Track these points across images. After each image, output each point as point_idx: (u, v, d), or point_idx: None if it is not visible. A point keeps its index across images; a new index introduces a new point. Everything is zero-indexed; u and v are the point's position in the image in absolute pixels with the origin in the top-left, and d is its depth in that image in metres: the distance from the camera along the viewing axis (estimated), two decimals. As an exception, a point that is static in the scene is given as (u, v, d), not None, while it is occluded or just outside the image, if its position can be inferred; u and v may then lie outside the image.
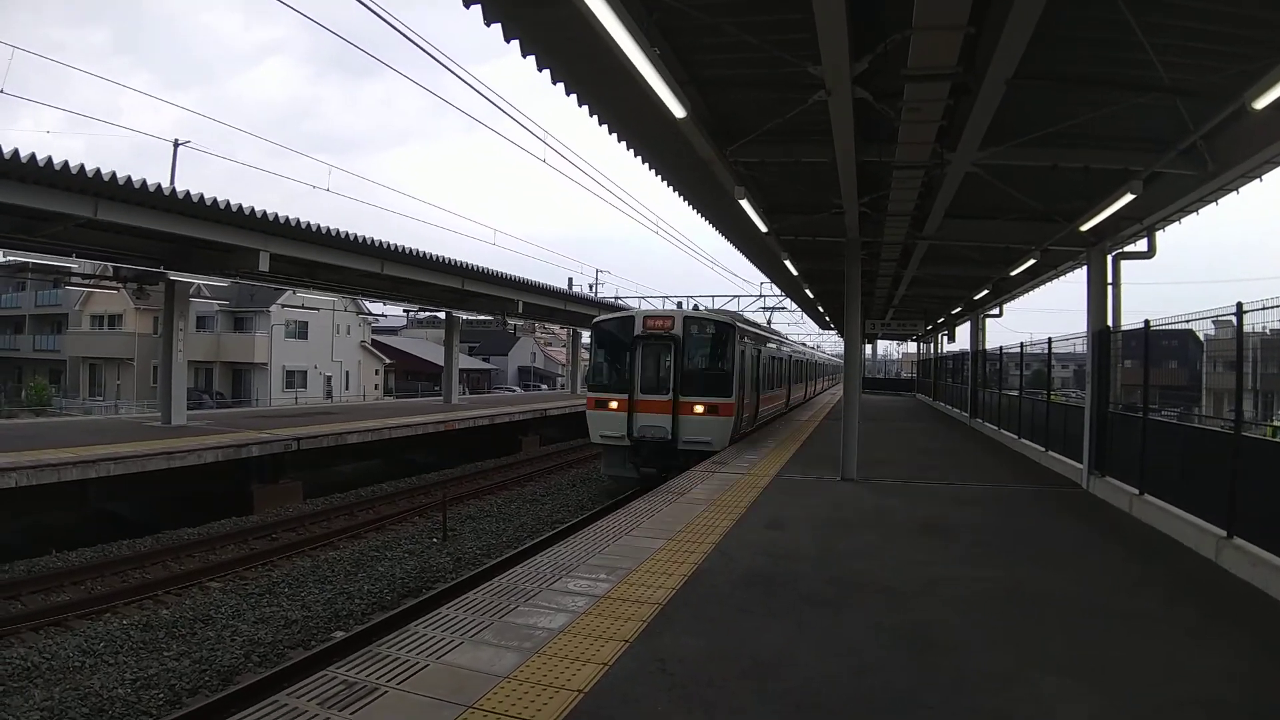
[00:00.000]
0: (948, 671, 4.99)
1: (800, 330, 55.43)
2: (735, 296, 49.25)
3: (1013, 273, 16.44)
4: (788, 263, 16.27)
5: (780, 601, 6.39)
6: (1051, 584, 7.07)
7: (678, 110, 6.68)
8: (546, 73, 7.47)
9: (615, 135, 9.52)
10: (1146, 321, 10.53)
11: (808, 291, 25.28)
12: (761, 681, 4.78)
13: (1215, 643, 5.71)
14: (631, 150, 10.31)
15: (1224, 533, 7.81)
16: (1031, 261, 14.42)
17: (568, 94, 8.15)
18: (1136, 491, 10.37)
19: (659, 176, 11.91)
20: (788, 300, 44.13)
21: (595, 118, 9.01)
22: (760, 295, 49.70)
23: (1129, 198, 8.99)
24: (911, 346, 59.75)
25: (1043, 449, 15.81)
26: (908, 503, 10.95)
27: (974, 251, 15.30)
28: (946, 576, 7.20)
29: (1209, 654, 5.47)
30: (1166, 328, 10.76)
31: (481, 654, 5.11)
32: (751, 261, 21.98)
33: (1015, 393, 19.61)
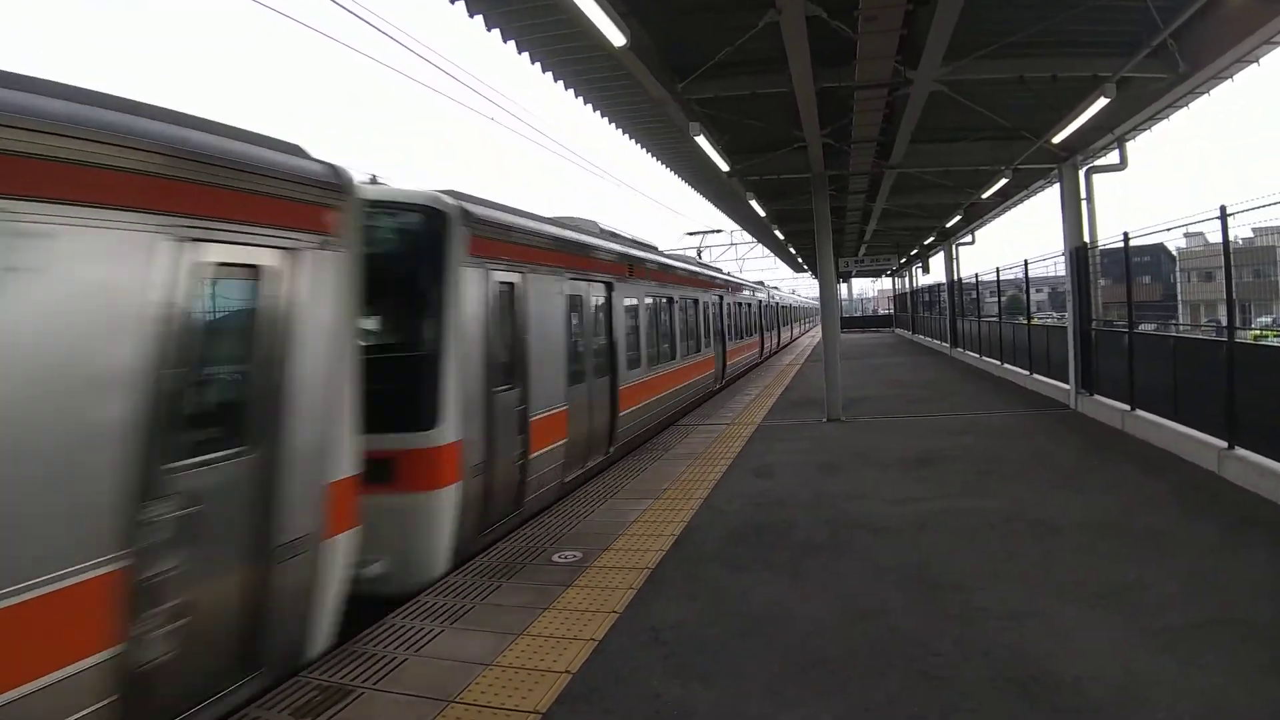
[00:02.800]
0: (956, 611, 4.74)
1: (775, 275, 55.04)
2: (705, 246, 48.85)
3: (983, 195, 16.11)
4: (754, 203, 15.74)
5: (774, 553, 6.12)
6: (1053, 508, 6.85)
7: (617, 38, 6.19)
8: (461, 4, 6.91)
9: (563, 84, 9.01)
10: (1125, 234, 10.30)
11: (778, 233, 24.84)
12: (760, 640, 4.51)
13: (1233, 557, 5.49)
14: (582, 99, 9.83)
15: (1224, 444, 7.62)
16: (1003, 182, 14.10)
17: (503, 38, 7.64)
18: (1128, 408, 10.21)
19: (614, 124, 11.42)
20: (760, 247, 43.82)
21: (538, 65, 8.51)
22: (731, 244, 49.34)
23: (1102, 102, 8.64)
24: (886, 282, 59.71)
25: (1027, 373, 15.67)
26: (897, 438, 10.73)
27: (943, 177, 14.93)
28: (944, 510, 6.97)
29: (1229, 570, 5.25)
30: (1142, 241, 10.52)
31: (463, 642, 4.79)
32: (717, 207, 21.42)
33: (995, 319, 19.45)
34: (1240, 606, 4.61)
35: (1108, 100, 8.52)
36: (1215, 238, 8.05)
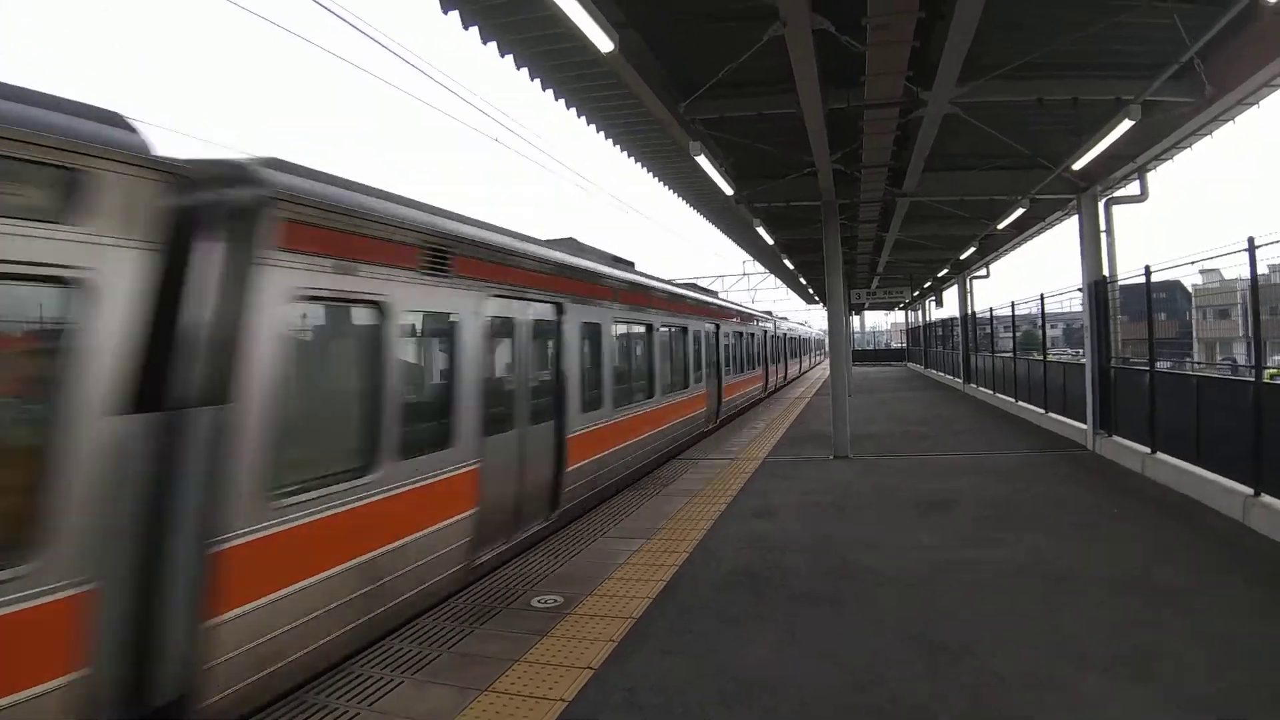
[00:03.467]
0: (967, 679, 4.26)
1: (788, 306, 54.75)
2: (719, 276, 48.71)
3: (999, 226, 15.67)
4: (761, 230, 15.33)
5: (770, 604, 5.65)
6: (1072, 560, 6.36)
7: (604, 44, 5.80)
8: (455, 15, 6.62)
9: (553, 93, 8.69)
10: (1147, 267, 9.87)
11: (788, 263, 24.43)
12: (748, 709, 4.05)
13: (1261, 619, 4.99)
14: (575, 111, 9.55)
15: (1250, 491, 7.12)
16: (1020, 212, 13.68)
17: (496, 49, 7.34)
18: (1148, 450, 9.70)
19: (611, 140, 11.11)
20: (771, 277, 43.53)
21: (538, 81, 8.23)
22: (744, 274, 49.17)
23: (1127, 125, 8.22)
24: (898, 315, 59.19)
25: (1042, 411, 15.14)
26: (906, 478, 10.23)
27: (957, 207, 14.54)
28: (955, 560, 6.48)
29: (1257, 632, 4.76)
30: (1160, 277, 10.08)
31: (422, 696, 4.36)
32: (727, 235, 21.02)
33: (1009, 354, 18.95)
34: (1269, 674, 4.15)
35: (1133, 123, 8.12)
36: (1231, 274, 7.66)
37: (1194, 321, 45.10)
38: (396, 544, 5.43)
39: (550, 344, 8.37)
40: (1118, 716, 3.81)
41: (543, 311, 8.05)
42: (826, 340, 39.75)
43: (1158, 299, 11.05)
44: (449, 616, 5.58)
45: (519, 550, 7.32)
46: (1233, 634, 4.74)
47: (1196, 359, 30.46)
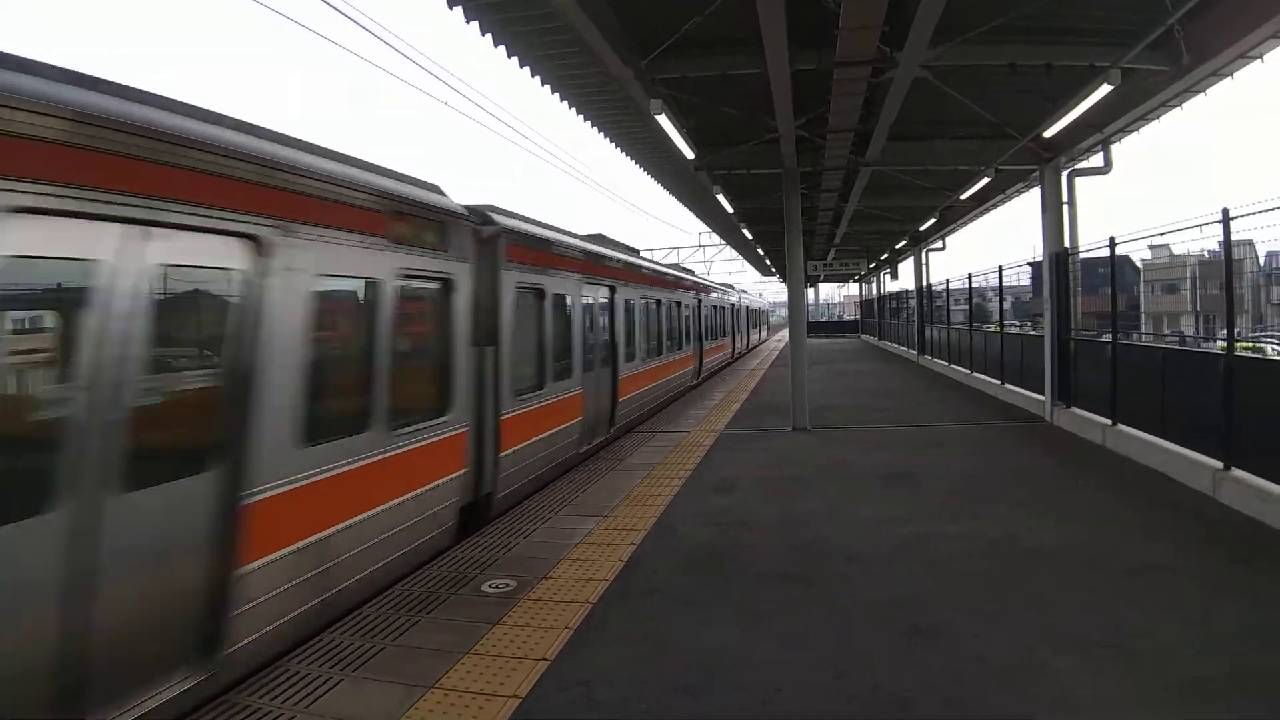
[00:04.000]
0: (943, 663, 4.04)
1: (744, 279, 54.54)
2: (674, 248, 48.28)
3: (963, 196, 15.57)
4: (721, 197, 14.97)
5: (734, 584, 5.38)
6: (1040, 535, 6.21)
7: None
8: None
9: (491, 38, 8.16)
10: (1112, 238, 9.76)
11: (746, 233, 24.13)
12: (713, 700, 3.78)
13: (1240, 596, 4.87)
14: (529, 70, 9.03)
15: (1220, 464, 7.05)
16: (984, 182, 13.56)
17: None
18: (1109, 422, 9.66)
19: (583, 118, 10.65)
20: (728, 250, 43.28)
21: (488, 36, 7.71)
22: (699, 246, 48.81)
23: (1105, 89, 8.02)
24: (852, 289, 59.49)
25: (998, 382, 15.16)
26: (867, 450, 10.07)
27: (920, 177, 14.34)
28: (922, 534, 6.30)
29: (1237, 611, 4.63)
30: (1106, 252, 10.00)
31: (363, 695, 4.00)
32: (684, 204, 20.64)
33: (964, 326, 18.99)
34: (1255, 657, 4.01)
35: (1111, 88, 7.92)
36: (1180, 249, 7.57)
37: (1142, 296, 46.17)
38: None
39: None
40: (1105, 701, 3.62)
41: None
42: (782, 312, 39.87)
43: (1104, 274, 11.06)
44: (394, 605, 5.21)
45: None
46: (1208, 612, 4.61)
47: (1144, 331, 31.17)
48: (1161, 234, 8.42)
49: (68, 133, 3.31)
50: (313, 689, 4.03)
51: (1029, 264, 15.82)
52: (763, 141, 11.28)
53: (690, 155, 10.97)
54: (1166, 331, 33.47)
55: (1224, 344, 7.61)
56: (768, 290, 65.72)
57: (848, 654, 4.21)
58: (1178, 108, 9.96)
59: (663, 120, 8.84)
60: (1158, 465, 8.23)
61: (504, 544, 6.48)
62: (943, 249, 25.62)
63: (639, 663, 4.22)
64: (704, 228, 34.48)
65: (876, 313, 40.51)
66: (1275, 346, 19.04)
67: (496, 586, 5.48)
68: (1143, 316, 37.75)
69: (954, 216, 20.71)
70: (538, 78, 9.28)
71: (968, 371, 17.88)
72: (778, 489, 8.14)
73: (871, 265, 34.98)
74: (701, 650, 4.34)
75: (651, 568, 5.77)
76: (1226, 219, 6.89)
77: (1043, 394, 12.09)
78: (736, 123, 10.68)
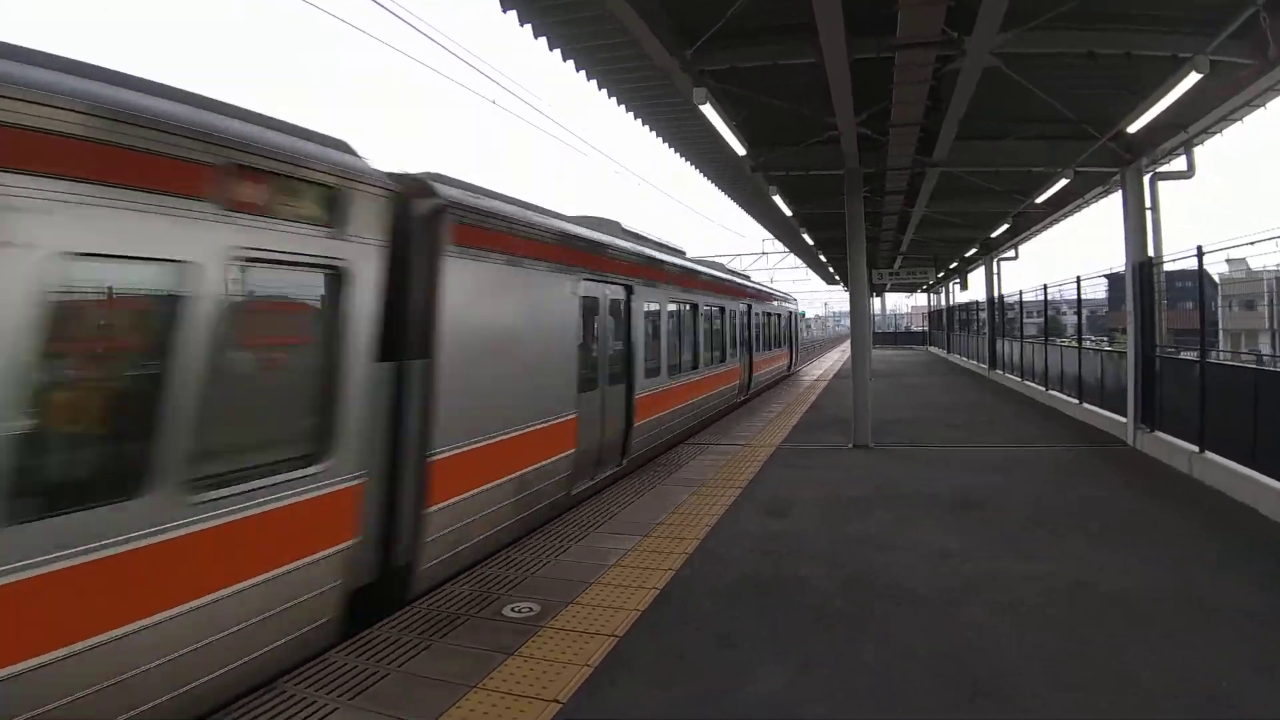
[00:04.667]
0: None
1: (808, 287, 53.52)
2: (738, 255, 47.61)
3: (1038, 200, 14.69)
4: (778, 199, 14.34)
5: (780, 622, 4.87)
6: (1120, 576, 5.51)
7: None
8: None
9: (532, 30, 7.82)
10: (1199, 247, 8.91)
11: (807, 238, 23.38)
12: (746, 767, 3.29)
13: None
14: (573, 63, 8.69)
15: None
16: (1061, 184, 12.71)
17: None
18: (1196, 449, 8.80)
19: (618, 102, 10.24)
20: (791, 258, 42.41)
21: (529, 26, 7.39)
22: (763, 253, 48.03)
23: (1193, 79, 7.27)
24: (919, 299, 57.83)
25: (1076, 401, 14.21)
26: (932, 472, 9.40)
27: (990, 180, 13.55)
28: (989, 572, 5.67)
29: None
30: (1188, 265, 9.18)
31: (354, 731, 3.64)
32: (741, 206, 19.91)
33: (1040, 340, 17.99)
34: None
35: (1200, 75, 7.16)
36: (1255, 263, 6.78)
37: (1220, 311, 43.81)
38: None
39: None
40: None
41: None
42: (846, 322, 38.89)
43: (1182, 288, 10.17)
44: (409, 625, 4.87)
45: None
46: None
47: (1221, 349, 29.29)
48: (1252, 243, 7.62)
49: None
50: (302, 717, 3.71)
51: (1104, 275, 14.86)
52: (821, 140, 10.71)
53: (742, 152, 10.48)
54: (1244, 350, 31.64)
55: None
56: (833, 300, 64.44)
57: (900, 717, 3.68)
58: (1261, 107, 9.10)
59: (708, 111, 8.34)
60: (1249, 500, 7.41)
61: (536, 562, 6.09)
62: (1015, 258, 24.50)
63: (664, 710, 3.76)
64: (766, 234, 33.71)
65: (945, 324, 39.21)
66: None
67: (519, 610, 5.08)
68: (1220, 333, 35.65)
69: (1028, 223, 19.68)
70: (582, 71, 8.90)
71: (1042, 389, 16.89)
72: (833, 512, 7.57)
73: (940, 274, 33.75)
74: (738, 700, 3.86)
75: (689, 597, 5.30)
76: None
77: (1124, 415, 11.20)
78: (793, 121, 10.16)
